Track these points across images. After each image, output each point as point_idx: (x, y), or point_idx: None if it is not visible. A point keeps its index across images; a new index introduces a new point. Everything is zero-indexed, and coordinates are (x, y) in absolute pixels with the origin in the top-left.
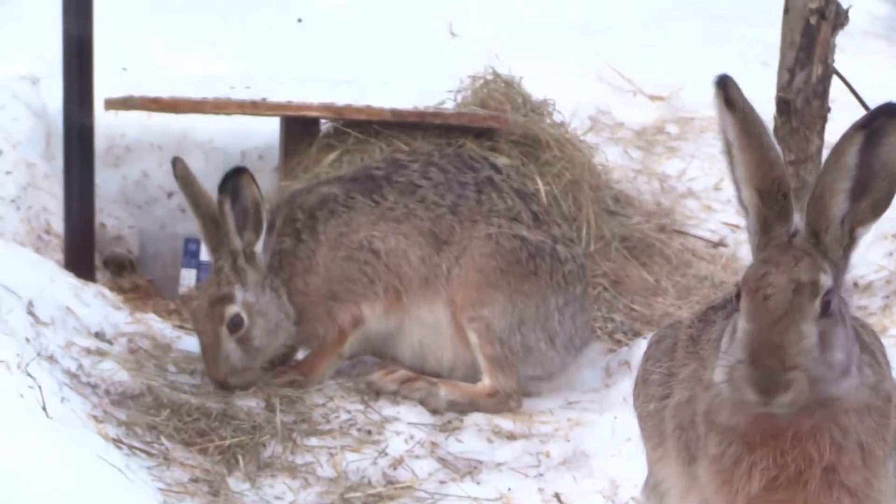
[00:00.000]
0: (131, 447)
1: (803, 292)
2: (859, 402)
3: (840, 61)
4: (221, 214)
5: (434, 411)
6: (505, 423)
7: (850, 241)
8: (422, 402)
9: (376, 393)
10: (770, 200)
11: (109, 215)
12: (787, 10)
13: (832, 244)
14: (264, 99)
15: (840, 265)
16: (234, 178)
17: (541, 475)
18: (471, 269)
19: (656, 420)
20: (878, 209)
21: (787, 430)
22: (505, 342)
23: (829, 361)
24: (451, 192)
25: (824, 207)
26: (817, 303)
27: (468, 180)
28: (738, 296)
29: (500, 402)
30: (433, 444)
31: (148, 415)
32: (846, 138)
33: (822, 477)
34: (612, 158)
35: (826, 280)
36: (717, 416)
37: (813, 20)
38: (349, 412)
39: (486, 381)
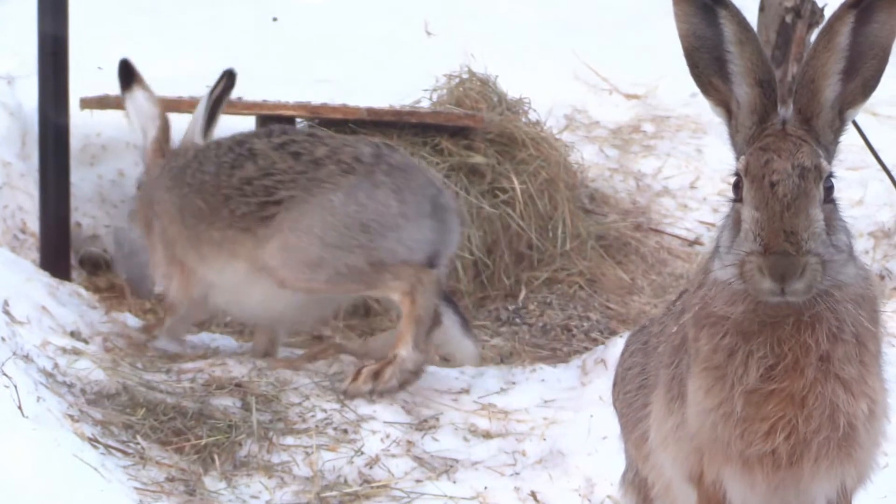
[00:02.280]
0: (107, 446)
1: (808, 177)
2: (856, 291)
3: None
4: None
5: (416, 373)
6: (481, 421)
7: (840, 125)
8: (402, 386)
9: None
10: (768, 90)
11: (85, 214)
12: (762, 8)
13: (824, 129)
14: (240, 98)
15: (831, 150)
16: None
17: (517, 474)
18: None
19: (637, 395)
20: (868, 89)
21: (787, 318)
22: (322, 266)
23: (834, 246)
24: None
25: (816, 91)
26: (821, 187)
27: (227, 160)
28: (737, 186)
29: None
30: (409, 442)
31: (124, 414)
32: (837, 18)
33: (817, 366)
34: (588, 157)
35: (826, 165)
36: (711, 308)
37: (788, 18)
38: (325, 411)
39: (396, 297)
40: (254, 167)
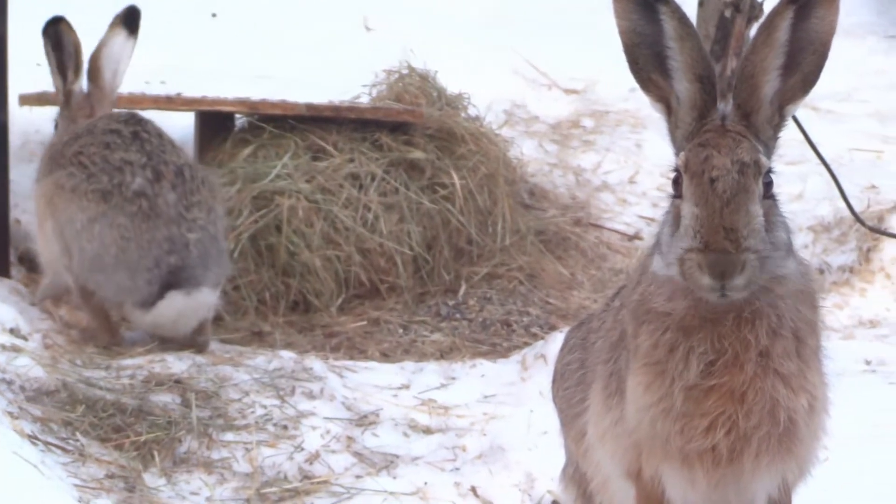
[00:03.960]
0: (47, 443)
1: (747, 173)
2: (795, 286)
3: None
4: (46, 55)
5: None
6: (421, 417)
7: (779, 121)
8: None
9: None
10: (708, 85)
11: (24, 211)
12: (701, 3)
13: (763, 125)
14: (179, 94)
15: (770, 146)
16: (55, 26)
17: (457, 469)
18: None
19: (576, 391)
20: (808, 85)
21: (727, 313)
22: None
23: (774, 242)
24: None
25: (755, 87)
26: (761, 183)
27: None
28: (676, 182)
29: None
30: (349, 438)
31: (63, 411)
32: (777, 13)
33: (757, 361)
34: (528, 152)
35: (765, 160)
36: (651, 304)
37: (727, 13)
38: (265, 407)
39: None
40: None
